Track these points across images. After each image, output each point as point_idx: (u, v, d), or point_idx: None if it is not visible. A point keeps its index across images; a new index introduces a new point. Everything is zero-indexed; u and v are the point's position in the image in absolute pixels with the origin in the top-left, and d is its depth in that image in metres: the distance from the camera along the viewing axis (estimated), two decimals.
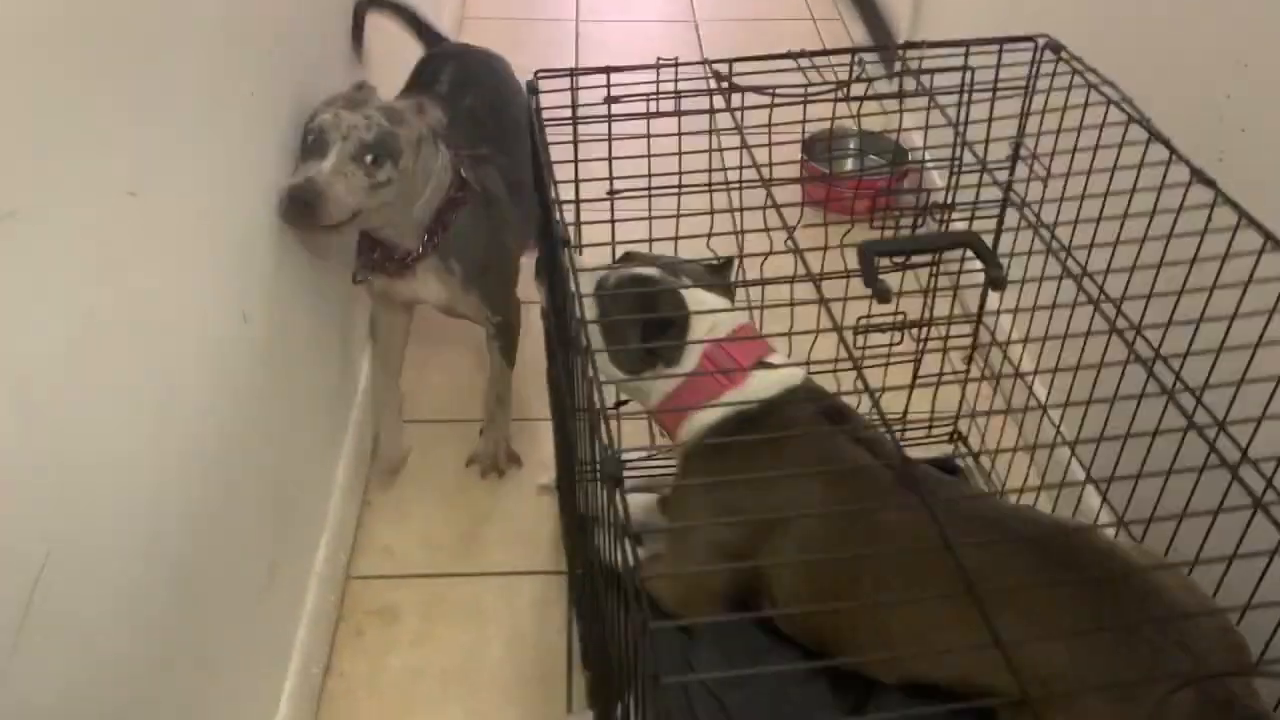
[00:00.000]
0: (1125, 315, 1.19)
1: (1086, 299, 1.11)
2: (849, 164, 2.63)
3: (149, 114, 1.04)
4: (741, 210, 1.28)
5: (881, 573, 1.17)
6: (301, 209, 1.38)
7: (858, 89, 1.43)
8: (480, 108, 1.81)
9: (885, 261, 1.52)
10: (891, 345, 1.70)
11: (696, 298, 1.33)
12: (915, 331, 1.72)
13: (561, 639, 1.61)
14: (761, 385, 1.29)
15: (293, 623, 1.49)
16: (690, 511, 1.31)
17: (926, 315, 1.72)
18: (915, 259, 1.59)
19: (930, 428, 1.89)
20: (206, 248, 1.21)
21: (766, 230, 1.23)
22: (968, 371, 1.81)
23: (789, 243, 1.06)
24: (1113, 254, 1.29)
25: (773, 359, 1.33)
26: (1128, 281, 1.22)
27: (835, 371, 1.63)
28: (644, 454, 1.77)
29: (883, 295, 0.98)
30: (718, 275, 1.39)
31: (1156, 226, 1.23)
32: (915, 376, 1.81)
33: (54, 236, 0.87)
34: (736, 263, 1.42)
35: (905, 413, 1.85)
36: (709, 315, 1.31)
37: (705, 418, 1.28)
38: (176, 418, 1.11)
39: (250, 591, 1.34)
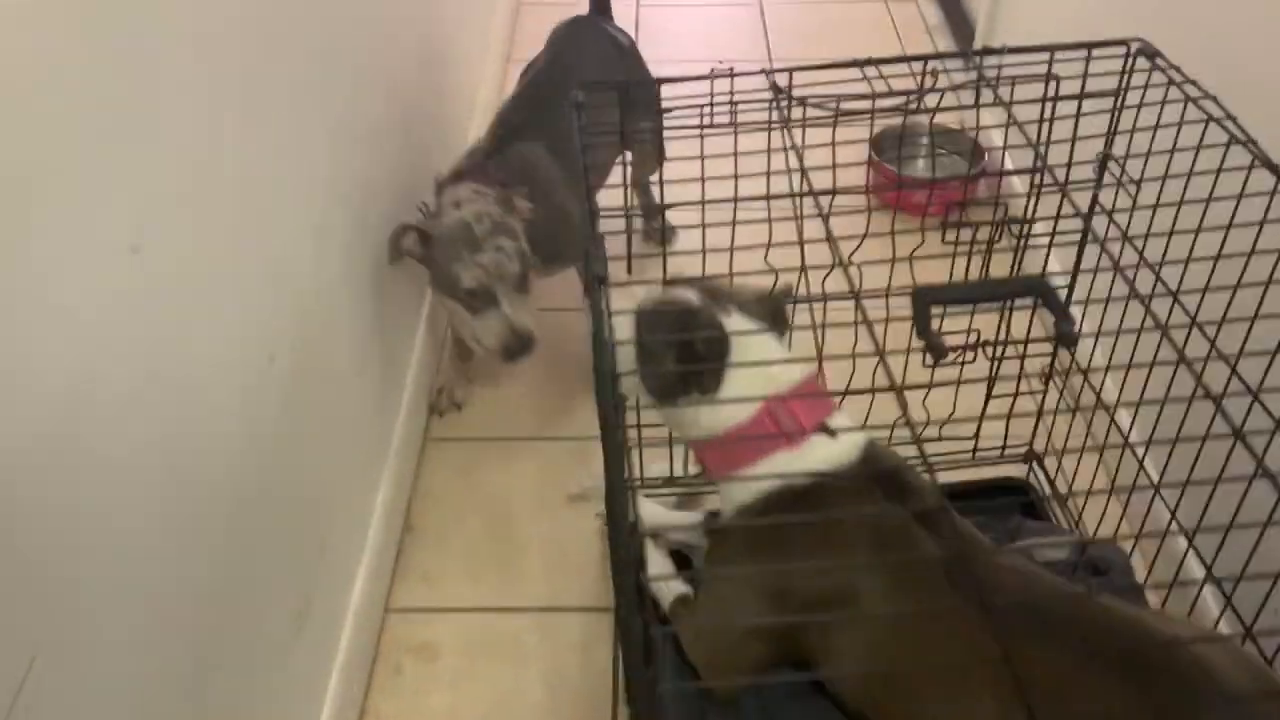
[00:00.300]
0: (1219, 350, 1.06)
1: (1173, 350, 0.98)
2: (920, 164, 2.49)
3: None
4: (800, 226, 1.18)
5: (936, 672, 1.07)
6: (521, 351, 1.67)
7: (929, 99, 1.31)
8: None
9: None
10: (963, 364, 1.59)
11: (740, 329, 1.23)
12: (990, 350, 1.60)
13: (606, 681, 1.53)
14: (819, 456, 1.17)
15: (325, 667, 1.42)
16: (727, 591, 1.21)
17: (1003, 333, 1.60)
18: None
19: (1004, 450, 1.77)
20: (230, 289, 1.14)
21: (830, 240, 1.11)
22: (1045, 391, 1.68)
23: (845, 262, 0.96)
24: (1205, 293, 1.15)
25: (835, 420, 1.22)
26: (1220, 321, 1.09)
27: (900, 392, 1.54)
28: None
29: (937, 351, 0.87)
30: (773, 310, 1.29)
31: (1258, 268, 1.10)
32: (989, 396, 1.69)
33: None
34: (795, 291, 1.31)
35: (978, 433, 1.73)
36: (764, 365, 1.20)
37: (752, 485, 1.18)
38: (193, 473, 1.05)
39: (278, 640, 1.28)
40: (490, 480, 1.84)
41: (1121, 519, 1.60)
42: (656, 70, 1.87)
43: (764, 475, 1.16)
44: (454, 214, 1.67)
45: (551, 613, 1.63)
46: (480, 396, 2.01)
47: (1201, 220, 1.18)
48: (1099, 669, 0.99)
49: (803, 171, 1.10)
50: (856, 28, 3.20)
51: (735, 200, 1.31)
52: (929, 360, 0.86)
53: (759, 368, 1.17)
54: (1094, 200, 1.38)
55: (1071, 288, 1.58)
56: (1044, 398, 1.67)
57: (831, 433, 1.17)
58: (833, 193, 1.11)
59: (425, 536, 1.75)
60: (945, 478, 1.72)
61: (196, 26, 1.06)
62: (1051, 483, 1.72)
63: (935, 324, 0.91)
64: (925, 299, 0.88)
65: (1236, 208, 1.11)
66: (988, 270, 1.49)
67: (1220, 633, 1.17)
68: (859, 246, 1.37)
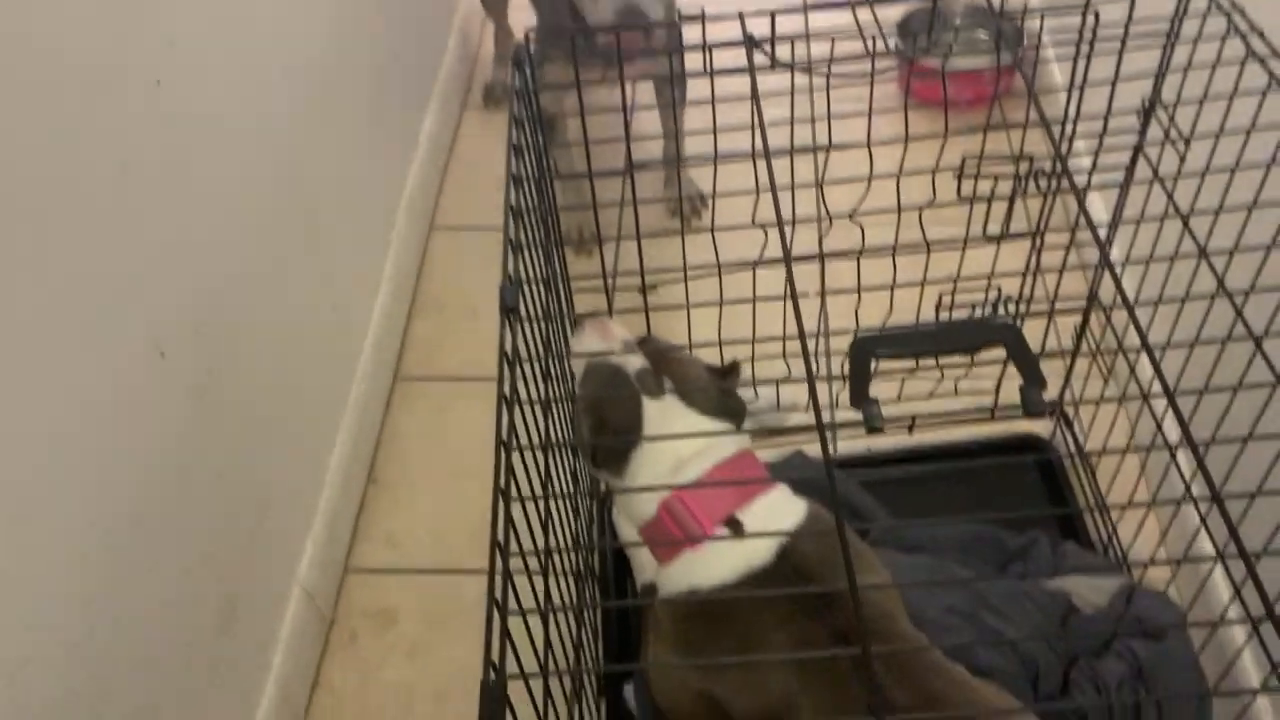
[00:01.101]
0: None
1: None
2: (951, 48, 2.18)
3: None
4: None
5: None
6: None
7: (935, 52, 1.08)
8: None
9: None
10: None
11: (666, 416, 1.05)
12: (1014, 305, 1.40)
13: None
14: (724, 561, 0.99)
15: (268, 648, 1.34)
16: (662, 660, 1.08)
17: (1028, 288, 1.40)
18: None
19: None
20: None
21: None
22: (1076, 350, 1.49)
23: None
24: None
25: (755, 506, 1.01)
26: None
27: None
28: None
29: (870, 422, 0.70)
30: (720, 396, 1.10)
31: None
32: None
33: None
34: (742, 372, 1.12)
35: (998, 389, 1.55)
36: (669, 445, 1.02)
37: (665, 579, 1.03)
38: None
39: (206, 631, 1.19)
40: (467, 424, 1.72)
41: (1154, 501, 1.43)
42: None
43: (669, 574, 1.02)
44: None
45: (522, 576, 1.52)
46: (457, 328, 1.86)
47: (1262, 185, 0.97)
48: None
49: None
50: None
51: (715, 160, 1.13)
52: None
53: (671, 456, 0.99)
54: (1137, 150, 1.16)
55: (1110, 239, 1.37)
56: (1074, 358, 1.48)
57: (739, 531, 0.98)
58: (828, 149, 0.91)
59: (392, 490, 1.64)
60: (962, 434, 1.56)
61: None
62: (1078, 443, 1.55)
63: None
64: (865, 352, 0.70)
65: None
66: (1008, 225, 1.28)
67: None
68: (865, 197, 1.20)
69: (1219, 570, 1.24)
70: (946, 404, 1.50)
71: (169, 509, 1.12)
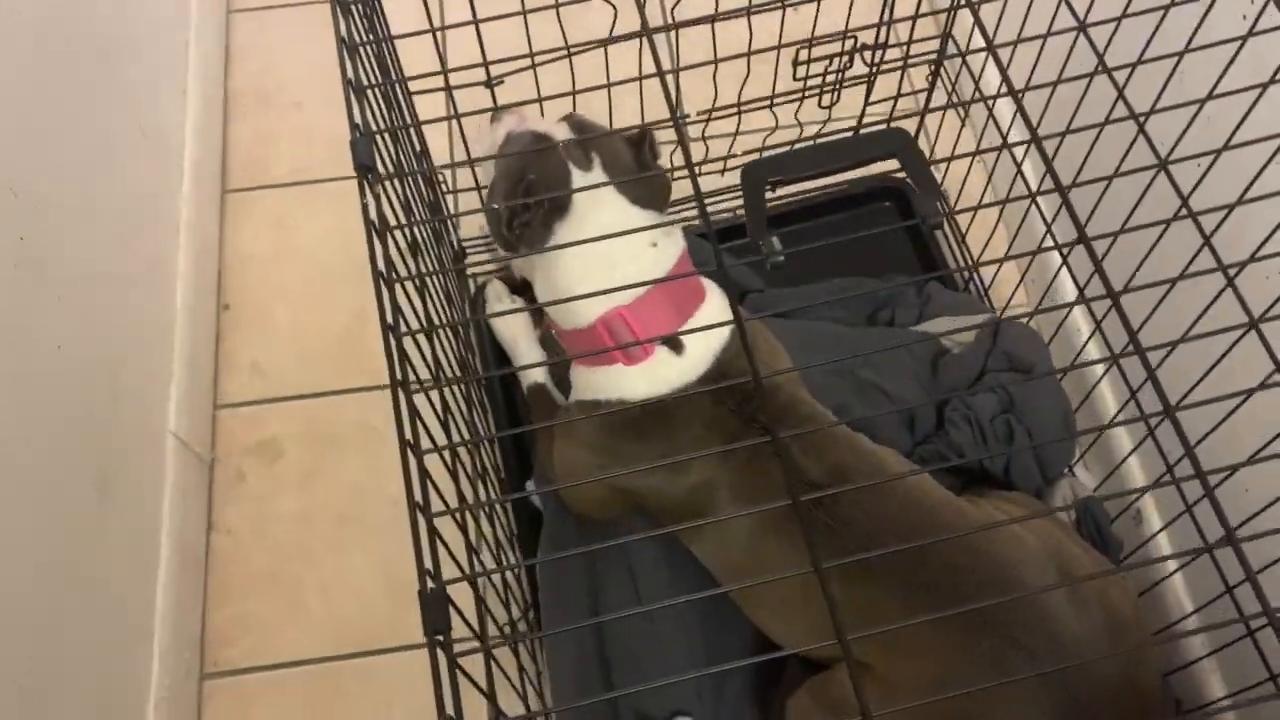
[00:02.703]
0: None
1: None
2: None
3: None
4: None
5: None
6: None
7: None
8: None
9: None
10: (841, 70, 1.37)
11: (597, 198, 1.00)
12: (870, 55, 1.36)
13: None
14: (659, 375, 1.00)
15: (153, 503, 1.30)
16: (574, 463, 1.08)
17: (882, 34, 1.35)
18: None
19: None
20: None
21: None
22: (929, 94, 1.47)
23: None
24: None
25: (694, 320, 1.02)
26: None
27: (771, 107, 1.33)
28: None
29: (772, 263, 0.67)
30: (639, 156, 1.04)
31: None
32: (867, 101, 1.47)
33: None
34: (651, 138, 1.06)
35: (858, 131, 1.53)
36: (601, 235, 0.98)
37: (588, 390, 1.01)
38: None
39: (87, 502, 1.14)
40: (315, 227, 1.61)
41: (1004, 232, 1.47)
42: None
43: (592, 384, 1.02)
44: None
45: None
46: (281, 126, 1.70)
47: None
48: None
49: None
50: None
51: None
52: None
53: (604, 251, 0.92)
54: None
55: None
56: (929, 97, 1.46)
57: (678, 347, 0.99)
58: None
59: (245, 314, 1.55)
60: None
61: None
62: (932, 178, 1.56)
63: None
64: (757, 176, 0.67)
65: None
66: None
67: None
68: None
69: (1079, 308, 1.31)
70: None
71: (15, 390, 1.03)
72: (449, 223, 1.46)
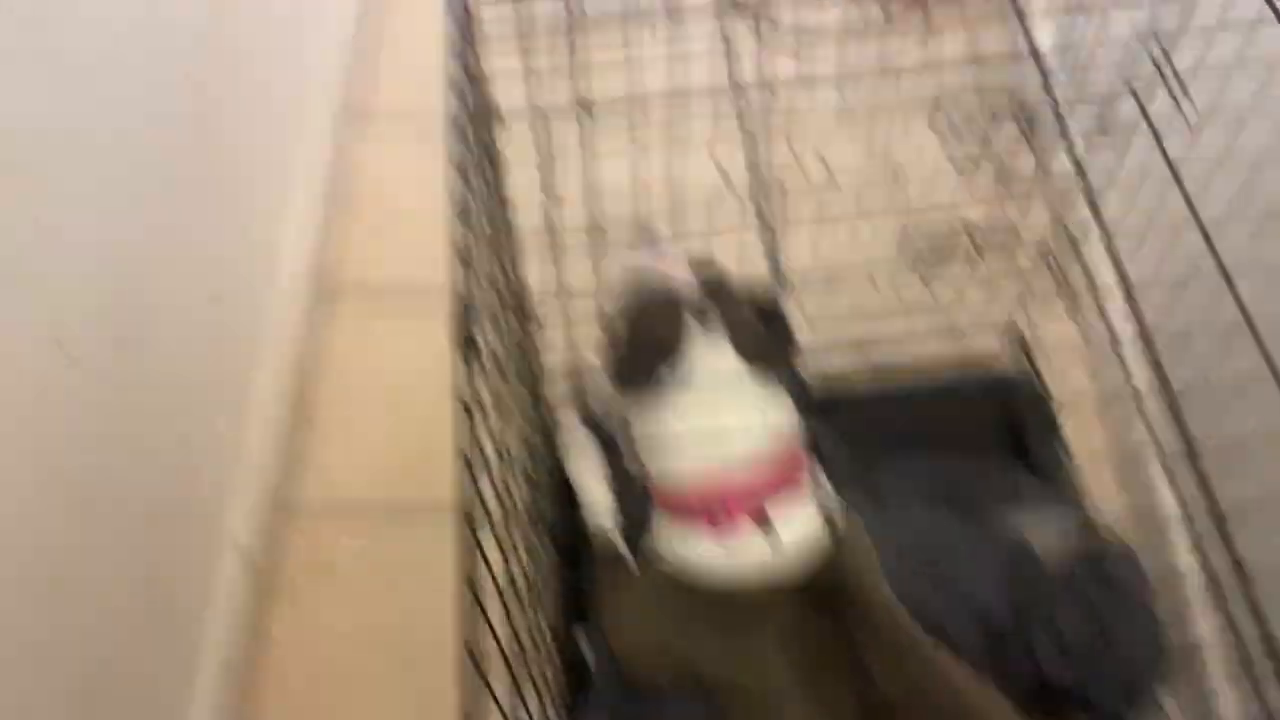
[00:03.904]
0: None
1: None
2: None
3: None
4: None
5: None
6: None
7: None
8: None
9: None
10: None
11: (713, 363, 0.97)
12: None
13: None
14: (738, 553, 0.94)
15: (202, 609, 1.28)
16: (629, 624, 1.04)
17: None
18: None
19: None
20: None
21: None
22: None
23: None
24: None
25: (791, 507, 0.96)
26: None
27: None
28: None
29: None
30: (769, 327, 1.01)
31: None
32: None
33: None
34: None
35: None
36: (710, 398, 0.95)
37: (668, 537, 0.98)
38: None
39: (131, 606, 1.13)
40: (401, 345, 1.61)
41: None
42: None
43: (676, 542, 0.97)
44: None
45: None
46: (385, 233, 1.73)
47: None
48: None
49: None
50: None
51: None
52: None
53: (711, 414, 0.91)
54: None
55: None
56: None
57: (768, 528, 0.93)
58: None
59: (323, 427, 1.55)
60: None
61: None
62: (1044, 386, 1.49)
63: None
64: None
65: None
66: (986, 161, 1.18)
67: None
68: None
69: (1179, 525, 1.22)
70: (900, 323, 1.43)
71: (89, 493, 1.03)
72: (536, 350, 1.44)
